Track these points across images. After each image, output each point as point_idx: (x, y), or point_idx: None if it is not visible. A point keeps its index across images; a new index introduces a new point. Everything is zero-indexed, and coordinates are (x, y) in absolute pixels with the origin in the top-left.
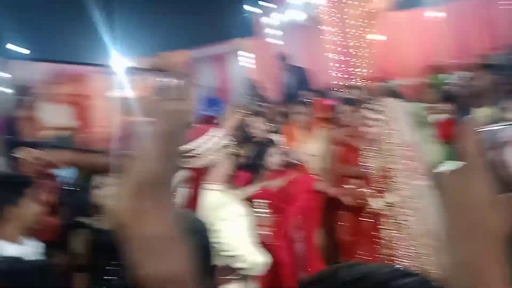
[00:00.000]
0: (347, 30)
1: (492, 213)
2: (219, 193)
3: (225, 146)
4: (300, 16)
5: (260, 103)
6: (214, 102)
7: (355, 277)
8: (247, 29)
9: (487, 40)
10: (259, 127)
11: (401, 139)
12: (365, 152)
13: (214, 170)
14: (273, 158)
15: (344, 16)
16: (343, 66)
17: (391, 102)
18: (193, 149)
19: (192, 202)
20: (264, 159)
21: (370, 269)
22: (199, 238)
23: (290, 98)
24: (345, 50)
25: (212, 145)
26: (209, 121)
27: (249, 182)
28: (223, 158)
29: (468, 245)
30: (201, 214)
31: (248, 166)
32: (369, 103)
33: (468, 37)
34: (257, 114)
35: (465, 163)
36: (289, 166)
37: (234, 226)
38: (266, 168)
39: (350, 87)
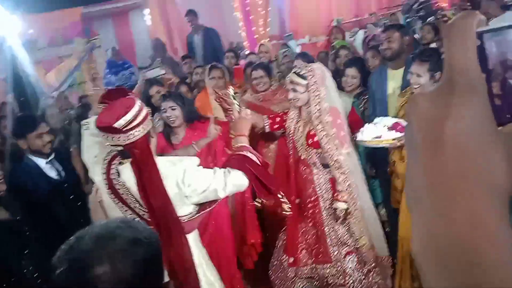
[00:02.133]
0: None
1: (492, 156)
2: (164, 158)
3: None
4: None
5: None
6: (121, 66)
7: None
8: None
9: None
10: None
11: (328, 104)
12: (289, 118)
13: (150, 141)
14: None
15: None
16: (250, 24)
17: (316, 66)
18: (129, 123)
19: (143, 179)
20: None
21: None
22: (147, 249)
23: (202, 60)
24: (250, 9)
25: (143, 116)
26: (125, 93)
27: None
28: (153, 127)
29: (456, 202)
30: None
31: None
32: (296, 68)
33: None
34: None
35: (452, 80)
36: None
37: (199, 170)
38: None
39: (261, 50)
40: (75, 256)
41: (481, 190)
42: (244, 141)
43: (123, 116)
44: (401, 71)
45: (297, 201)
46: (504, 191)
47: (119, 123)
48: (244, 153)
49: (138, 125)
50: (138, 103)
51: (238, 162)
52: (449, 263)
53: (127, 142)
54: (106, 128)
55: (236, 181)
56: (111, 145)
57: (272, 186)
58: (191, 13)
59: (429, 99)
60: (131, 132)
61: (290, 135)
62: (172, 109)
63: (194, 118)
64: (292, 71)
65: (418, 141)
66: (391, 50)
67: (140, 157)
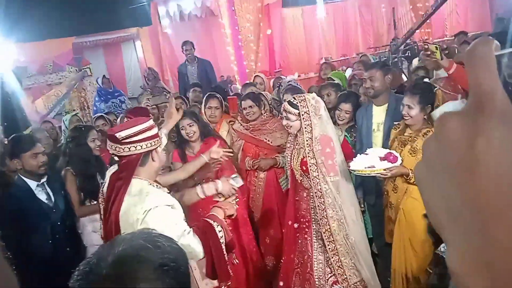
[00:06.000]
0: (246, 24)
1: None
2: (146, 183)
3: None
4: (196, 8)
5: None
6: (112, 94)
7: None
8: (144, 18)
9: (370, 38)
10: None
11: (319, 133)
12: (287, 146)
13: (148, 162)
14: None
15: (240, 10)
16: (242, 59)
17: (311, 97)
18: (129, 136)
19: (117, 191)
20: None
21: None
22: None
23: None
24: (242, 44)
25: (146, 136)
26: (146, 112)
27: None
28: (159, 149)
29: (496, 218)
30: (126, 203)
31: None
32: (289, 97)
33: (352, 35)
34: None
35: (479, 103)
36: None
37: (163, 213)
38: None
39: (250, 84)
40: (94, 280)
41: None
42: (220, 215)
43: (126, 129)
44: (384, 107)
45: (295, 225)
46: None
47: (119, 134)
48: (211, 222)
49: (137, 141)
50: (147, 124)
51: (203, 230)
52: (496, 276)
53: (122, 153)
54: (111, 137)
55: (191, 244)
56: (111, 153)
57: (220, 276)
58: (189, 44)
59: (457, 119)
60: (127, 146)
61: (288, 162)
62: (190, 126)
63: (209, 134)
64: (286, 100)
65: (451, 160)
66: (374, 89)
67: (122, 171)
